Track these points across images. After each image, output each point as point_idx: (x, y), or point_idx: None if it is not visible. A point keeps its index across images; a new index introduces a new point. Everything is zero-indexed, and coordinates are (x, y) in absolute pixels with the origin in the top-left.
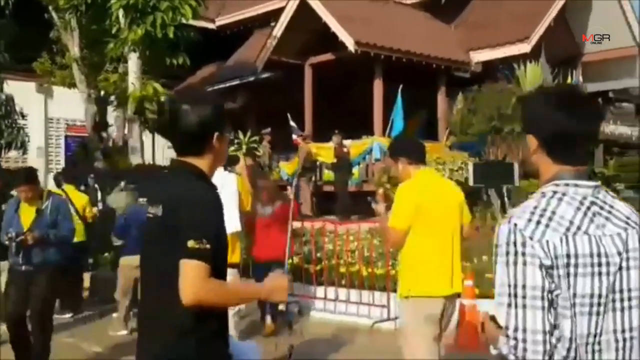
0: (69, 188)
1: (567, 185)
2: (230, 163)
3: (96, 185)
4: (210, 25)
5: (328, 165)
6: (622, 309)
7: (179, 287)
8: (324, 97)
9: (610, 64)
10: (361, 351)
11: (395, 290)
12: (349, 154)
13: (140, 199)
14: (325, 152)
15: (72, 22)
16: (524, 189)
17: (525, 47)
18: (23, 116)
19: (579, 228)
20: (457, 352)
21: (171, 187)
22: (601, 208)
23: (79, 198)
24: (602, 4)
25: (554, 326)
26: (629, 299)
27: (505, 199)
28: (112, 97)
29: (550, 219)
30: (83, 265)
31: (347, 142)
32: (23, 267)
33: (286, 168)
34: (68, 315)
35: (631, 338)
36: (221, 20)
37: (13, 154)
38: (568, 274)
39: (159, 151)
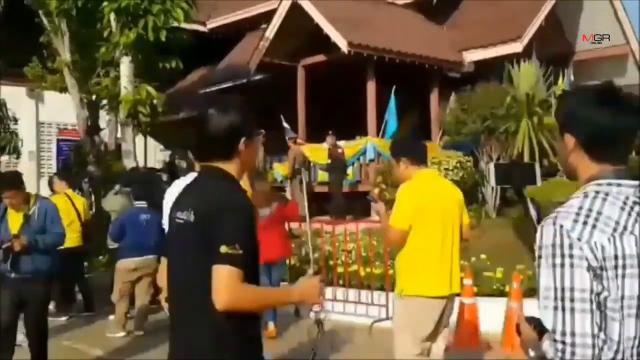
0: (69, 192)
1: (609, 184)
2: None
3: (90, 189)
4: (202, 28)
5: (322, 166)
6: None
7: (212, 292)
8: (317, 99)
9: (602, 63)
10: (360, 350)
11: (393, 290)
12: (344, 154)
13: (136, 202)
14: (319, 153)
15: (63, 27)
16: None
17: (517, 47)
18: (16, 120)
19: (625, 228)
20: (456, 350)
21: (203, 192)
22: None
23: (80, 202)
24: (593, 3)
25: (600, 329)
26: None
27: (529, 203)
28: (105, 101)
29: (596, 219)
30: (82, 269)
31: (341, 142)
32: (12, 275)
33: (280, 169)
34: (64, 318)
35: None
36: (212, 23)
37: (4, 158)
38: (616, 276)
39: (151, 154)
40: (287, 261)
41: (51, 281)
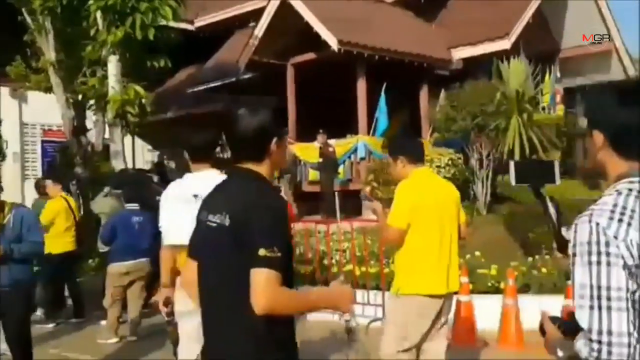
0: (64, 195)
1: None
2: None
3: (77, 191)
4: (189, 27)
5: (314, 165)
6: None
7: (250, 295)
8: (306, 97)
9: (587, 60)
10: (357, 350)
11: (389, 289)
12: (335, 153)
13: (128, 205)
14: (310, 152)
15: (47, 25)
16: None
17: (505, 44)
18: (0, 121)
19: None
20: (452, 348)
21: (237, 194)
22: None
23: (74, 204)
24: (578, 1)
25: (635, 327)
26: None
27: (548, 201)
28: (92, 101)
29: (631, 217)
30: (74, 273)
31: (331, 141)
32: None
33: None
34: (51, 325)
35: None
36: (200, 22)
37: None
38: None
39: (139, 155)
40: None
41: (31, 291)
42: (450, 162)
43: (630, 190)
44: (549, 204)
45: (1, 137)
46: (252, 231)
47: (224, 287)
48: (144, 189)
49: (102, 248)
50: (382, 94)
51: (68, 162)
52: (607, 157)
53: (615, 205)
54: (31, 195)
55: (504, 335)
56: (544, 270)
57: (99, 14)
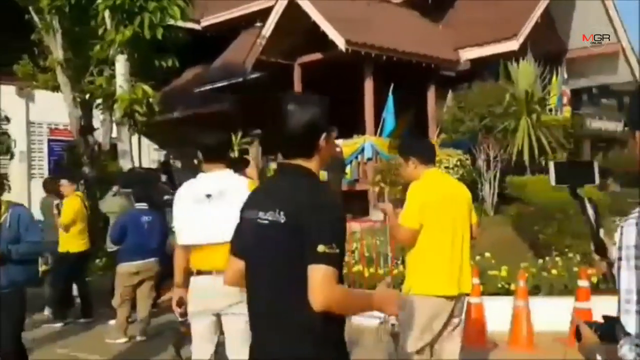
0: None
1: None
2: (241, 165)
3: (85, 191)
4: (196, 26)
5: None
6: None
7: (308, 292)
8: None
9: (594, 61)
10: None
11: (400, 290)
12: (342, 153)
13: (137, 204)
14: None
15: (55, 24)
16: (515, 184)
17: (513, 45)
18: (8, 120)
19: None
20: (463, 349)
21: (290, 191)
22: None
23: (86, 204)
24: (585, 2)
25: None
26: None
27: (586, 202)
28: (99, 100)
29: None
30: (85, 272)
31: (338, 141)
32: None
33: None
34: (59, 325)
35: None
36: (206, 21)
37: None
38: None
39: (145, 154)
40: None
41: (24, 293)
42: (458, 163)
43: None
44: (587, 205)
45: (10, 136)
46: (311, 228)
47: (279, 284)
48: (152, 189)
49: (111, 247)
50: (390, 94)
51: (75, 162)
52: None
53: None
54: (37, 194)
55: (515, 337)
56: (554, 271)
57: (107, 13)
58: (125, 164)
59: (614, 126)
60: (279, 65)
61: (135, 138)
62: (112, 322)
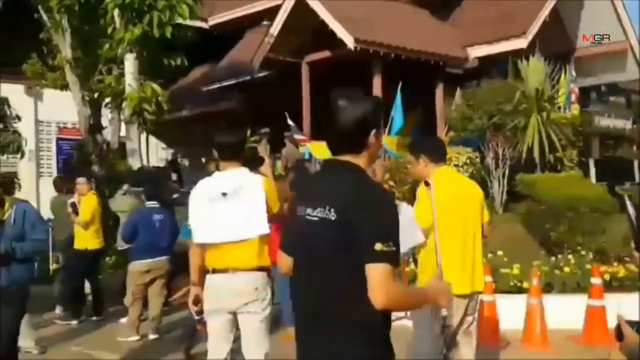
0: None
1: None
2: (255, 163)
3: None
4: (204, 25)
5: None
6: None
7: (367, 290)
8: (321, 95)
9: (602, 59)
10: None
11: None
12: None
13: (149, 202)
14: (326, 150)
15: (64, 23)
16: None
17: (522, 43)
18: (19, 119)
19: None
20: (476, 347)
21: (340, 188)
22: None
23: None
24: (594, 0)
25: None
26: None
27: (627, 200)
28: (108, 99)
29: None
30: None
31: None
32: None
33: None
34: (74, 322)
35: None
36: (213, 20)
37: (3, 157)
38: None
39: (152, 152)
40: None
41: (26, 292)
42: (468, 161)
43: None
44: (627, 203)
45: (20, 134)
46: (365, 225)
47: (330, 283)
48: (162, 187)
49: (122, 246)
50: (398, 92)
51: (85, 160)
52: None
53: None
54: (46, 193)
55: (528, 335)
56: (566, 269)
57: (116, 12)
58: (134, 163)
59: (623, 124)
60: (287, 64)
61: (143, 137)
62: (123, 320)
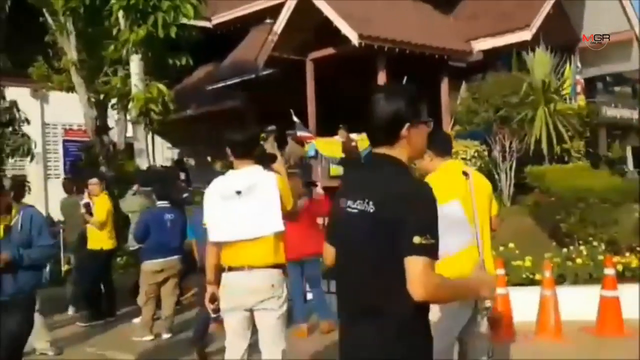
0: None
1: None
2: (268, 160)
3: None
4: (207, 24)
5: (335, 160)
6: None
7: (406, 283)
8: (326, 92)
9: (607, 49)
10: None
11: None
12: (357, 147)
13: (159, 202)
14: (332, 147)
15: (69, 25)
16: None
17: (526, 35)
18: (28, 122)
19: None
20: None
21: (378, 180)
22: None
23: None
24: None
25: None
26: None
27: None
28: (114, 100)
29: None
30: (111, 271)
31: (353, 135)
32: None
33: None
34: (92, 323)
35: None
36: (217, 19)
37: (11, 160)
38: None
39: (158, 152)
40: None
41: (34, 300)
42: (476, 155)
43: None
44: None
45: (29, 137)
46: (404, 218)
47: (369, 276)
48: (172, 187)
49: (133, 246)
50: None
51: (92, 162)
52: None
53: None
54: (54, 195)
55: (542, 327)
56: (578, 260)
57: (121, 13)
58: (142, 163)
59: (630, 113)
60: (291, 61)
61: (149, 137)
62: (135, 320)
